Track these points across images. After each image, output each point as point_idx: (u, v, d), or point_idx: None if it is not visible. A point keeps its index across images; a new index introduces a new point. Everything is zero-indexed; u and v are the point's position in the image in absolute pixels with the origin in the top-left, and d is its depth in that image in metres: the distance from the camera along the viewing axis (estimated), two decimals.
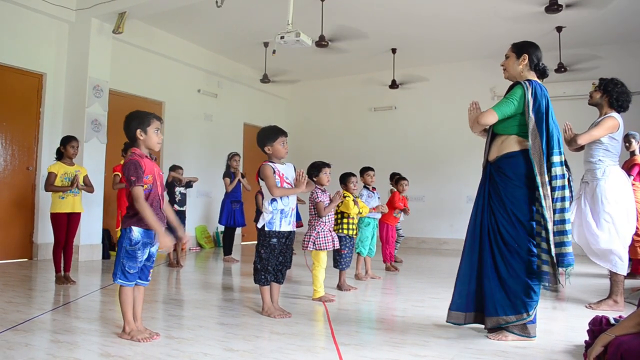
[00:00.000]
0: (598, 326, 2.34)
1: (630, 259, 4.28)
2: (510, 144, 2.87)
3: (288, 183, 3.40)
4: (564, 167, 2.80)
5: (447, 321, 3.02)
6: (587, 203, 3.70)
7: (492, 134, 3.01)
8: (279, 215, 3.35)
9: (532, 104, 2.79)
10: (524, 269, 2.78)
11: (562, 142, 2.87)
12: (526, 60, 2.93)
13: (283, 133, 3.44)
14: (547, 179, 2.73)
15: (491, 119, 2.87)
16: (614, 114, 3.69)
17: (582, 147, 3.78)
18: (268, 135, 3.42)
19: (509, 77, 3.03)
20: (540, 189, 2.73)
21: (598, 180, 3.66)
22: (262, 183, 3.39)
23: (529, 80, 2.89)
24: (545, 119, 2.79)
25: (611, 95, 3.70)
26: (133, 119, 2.82)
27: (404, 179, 6.09)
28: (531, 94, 2.81)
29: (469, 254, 2.98)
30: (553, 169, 2.76)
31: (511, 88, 2.95)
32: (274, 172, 3.34)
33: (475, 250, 2.93)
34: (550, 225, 2.70)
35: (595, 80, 4.02)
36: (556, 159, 2.77)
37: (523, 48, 2.96)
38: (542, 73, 2.97)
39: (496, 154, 2.92)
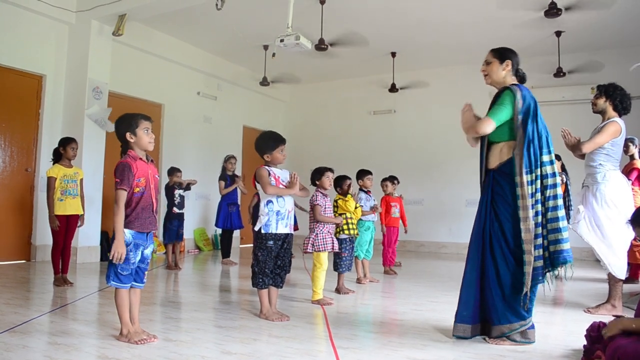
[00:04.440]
0: (596, 332, 2.34)
1: (628, 264, 4.28)
2: (510, 150, 2.87)
3: (284, 185, 3.41)
4: (554, 165, 2.84)
5: (453, 335, 2.92)
6: (589, 207, 3.71)
7: (488, 142, 3.01)
8: (275, 217, 3.35)
9: (520, 105, 2.83)
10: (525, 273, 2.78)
11: (552, 143, 2.89)
12: (509, 66, 2.97)
13: (282, 141, 3.46)
14: (526, 179, 2.76)
15: (489, 127, 2.86)
16: (617, 119, 3.70)
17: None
18: (268, 143, 3.43)
19: (492, 82, 3.04)
20: (518, 189, 2.77)
21: (598, 184, 3.67)
22: (259, 187, 3.41)
23: (516, 84, 2.93)
24: (533, 119, 2.82)
25: (614, 99, 3.73)
26: (121, 123, 2.84)
27: (390, 179, 6.05)
28: (520, 96, 2.84)
29: (473, 262, 2.93)
30: (543, 168, 2.80)
31: (499, 94, 2.96)
32: (270, 174, 3.37)
33: (479, 259, 2.90)
34: (522, 226, 2.74)
35: (594, 84, 4.03)
36: (546, 158, 2.81)
37: (505, 54, 2.99)
38: (522, 79, 3.03)
39: (498, 161, 2.92)
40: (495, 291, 2.82)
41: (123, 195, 2.71)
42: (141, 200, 2.78)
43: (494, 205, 2.88)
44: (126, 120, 2.84)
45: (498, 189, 2.88)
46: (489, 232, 2.87)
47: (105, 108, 6.53)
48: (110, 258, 2.69)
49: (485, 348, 2.76)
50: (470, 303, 2.90)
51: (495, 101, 2.96)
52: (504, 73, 2.98)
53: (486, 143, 3.02)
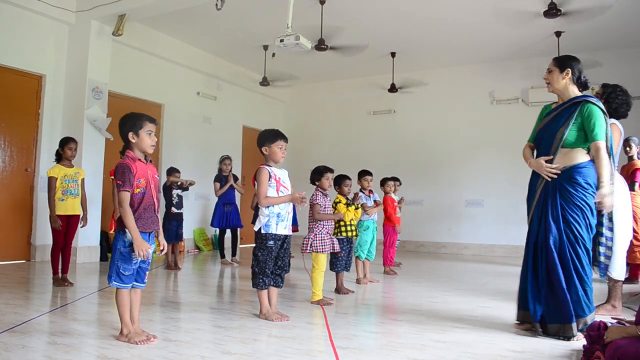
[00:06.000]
0: (596, 331, 2.35)
1: (628, 264, 4.28)
2: (578, 156, 3.00)
3: (284, 187, 3.40)
4: None
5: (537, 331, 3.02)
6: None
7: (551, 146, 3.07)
8: (276, 218, 3.35)
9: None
10: (591, 268, 2.98)
11: None
12: (569, 75, 3.10)
13: (283, 137, 3.45)
14: None
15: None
16: (616, 122, 3.71)
17: None
18: (268, 136, 3.44)
19: (554, 90, 3.18)
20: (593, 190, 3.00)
21: None
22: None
23: (585, 96, 3.08)
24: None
25: (610, 105, 3.74)
26: (125, 122, 2.82)
27: (391, 179, 6.09)
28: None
29: (534, 263, 3.03)
30: None
31: (580, 108, 3.02)
32: (270, 176, 3.35)
33: (542, 260, 2.99)
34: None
35: (595, 85, 4.03)
36: None
37: (565, 63, 3.13)
38: (584, 86, 3.16)
39: (563, 165, 3.00)
40: (577, 283, 2.90)
41: (127, 197, 2.71)
42: (143, 201, 2.78)
43: (566, 209, 2.96)
44: (131, 120, 2.82)
45: (566, 192, 2.97)
46: (562, 233, 2.94)
47: (104, 118, 6.51)
48: (137, 257, 2.70)
49: (485, 348, 2.77)
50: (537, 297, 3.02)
51: (573, 115, 3.02)
52: (564, 81, 3.11)
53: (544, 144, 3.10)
